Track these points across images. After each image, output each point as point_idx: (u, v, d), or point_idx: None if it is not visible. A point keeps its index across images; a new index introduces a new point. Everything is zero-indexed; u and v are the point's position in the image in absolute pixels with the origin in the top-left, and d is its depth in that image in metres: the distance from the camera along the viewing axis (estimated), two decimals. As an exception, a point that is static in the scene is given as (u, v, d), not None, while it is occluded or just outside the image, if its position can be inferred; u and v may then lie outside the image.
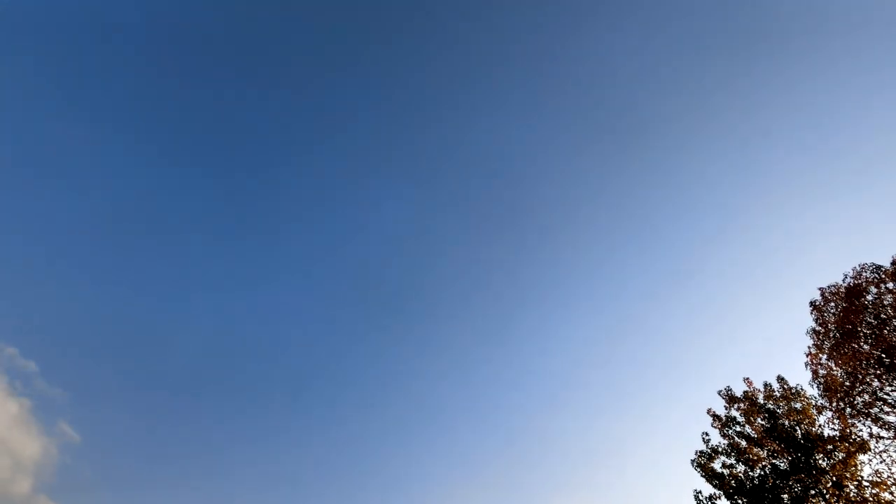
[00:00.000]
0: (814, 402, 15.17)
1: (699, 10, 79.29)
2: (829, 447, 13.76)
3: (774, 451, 14.33)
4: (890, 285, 16.67)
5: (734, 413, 16.18)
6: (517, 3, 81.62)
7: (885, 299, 16.49)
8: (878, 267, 17.67)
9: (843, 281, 18.25)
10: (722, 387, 16.75)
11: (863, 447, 13.57)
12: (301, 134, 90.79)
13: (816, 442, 13.93)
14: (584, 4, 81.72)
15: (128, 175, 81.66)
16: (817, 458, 13.71)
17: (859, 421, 14.57)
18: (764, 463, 14.31)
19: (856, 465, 13.34)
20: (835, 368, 16.04)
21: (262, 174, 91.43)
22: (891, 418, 14.33)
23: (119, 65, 77.81)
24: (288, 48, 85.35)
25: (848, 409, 14.84)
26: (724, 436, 15.67)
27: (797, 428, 14.55)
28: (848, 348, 16.17)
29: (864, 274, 17.78)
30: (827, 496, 12.93)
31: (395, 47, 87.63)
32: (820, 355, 16.70)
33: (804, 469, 13.58)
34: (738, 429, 15.60)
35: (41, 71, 71.22)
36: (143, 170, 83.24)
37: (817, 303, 18.65)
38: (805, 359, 16.87)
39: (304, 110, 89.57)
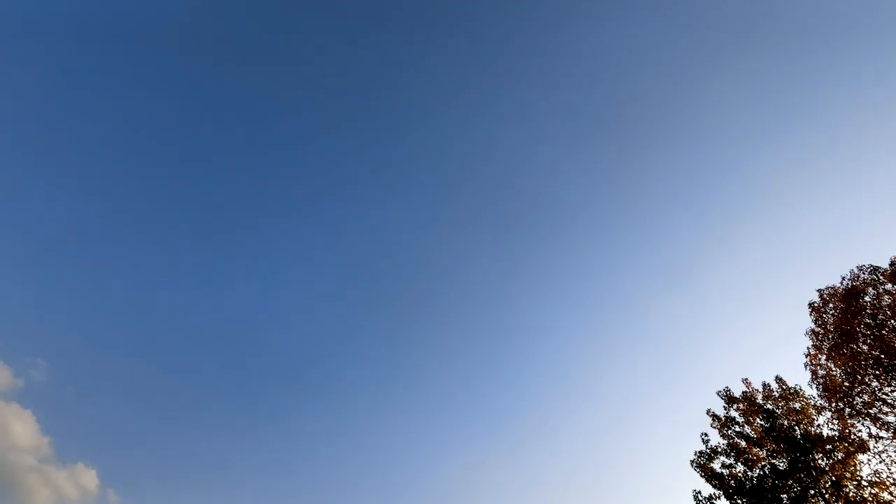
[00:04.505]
0: (813, 403, 15.17)
1: (695, 6, 79.71)
2: (828, 447, 13.75)
3: (773, 451, 14.31)
4: (888, 287, 16.72)
5: (733, 413, 16.17)
6: (508, 2, 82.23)
7: (883, 300, 16.52)
8: (876, 268, 17.72)
9: (842, 283, 18.28)
10: (721, 387, 16.75)
11: (862, 447, 13.55)
12: (299, 132, 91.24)
13: (815, 442, 13.92)
14: (575, 2, 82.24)
15: (127, 174, 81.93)
16: (816, 457, 13.69)
17: (858, 421, 14.55)
18: (763, 463, 14.29)
19: (855, 465, 13.32)
20: (834, 369, 16.04)
21: (260, 173, 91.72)
22: (890, 418, 14.32)
23: (120, 68, 78.22)
24: (284, 50, 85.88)
25: (847, 410, 14.82)
26: (723, 436, 15.66)
27: (796, 428, 14.54)
28: (847, 349, 16.17)
29: (861, 276, 17.82)
30: (826, 496, 12.90)
31: (388, 45, 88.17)
32: (819, 356, 16.70)
33: (803, 469, 13.56)
34: (738, 429, 15.58)
35: (46, 73, 71.61)
36: (142, 170, 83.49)
37: (816, 304, 18.68)
38: (804, 359, 16.88)
39: (301, 109, 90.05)
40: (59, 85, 74.35)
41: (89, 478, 56.59)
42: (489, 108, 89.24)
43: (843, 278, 18.40)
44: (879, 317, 15.91)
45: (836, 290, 18.35)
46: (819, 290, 19.08)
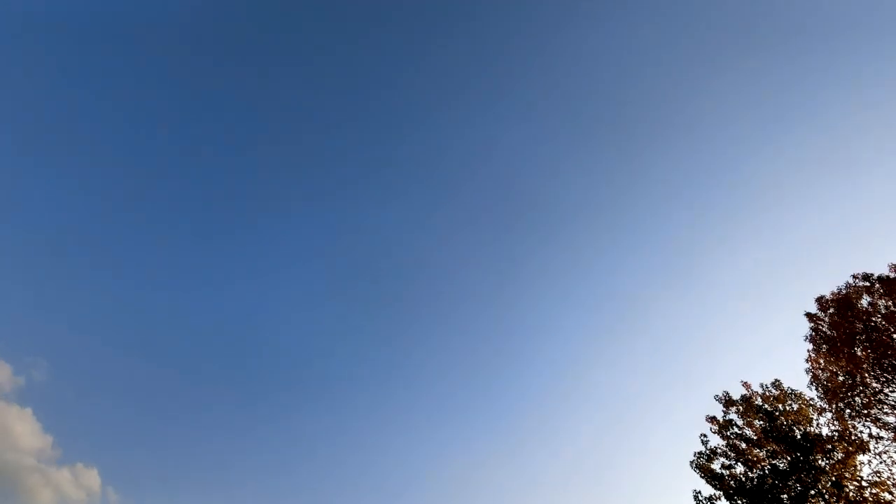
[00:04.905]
0: (812, 404, 15.23)
1: (695, 6, 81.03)
2: (828, 447, 13.75)
3: (773, 451, 14.29)
4: (882, 290, 16.93)
5: (732, 416, 16.19)
6: (508, 2, 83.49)
7: (878, 305, 16.73)
8: (869, 276, 18.04)
9: (838, 290, 18.53)
10: (721, 387, 16.79)
11: (862, 447, 13.57)
12: (299, 132, 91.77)
13: (815, 442, 13.92)
14: (575, 2, 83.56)
15: (127, 174, 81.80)
16: (816, 458, 13.68)
17: (859, 422, 14.59)
18: (763, 463, 14.24)
19: (855, 466, 13.33)
20: (835, 370, 16.13)
21: (260, 173, 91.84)
22: (890, 419, 14.36)
23: (120, 68, 78.61)
24: (283, 50, 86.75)
25: (847, 411, 14.87)
26: (723, 437, 15.64)
27: (795, 428, 14.55)
28: (846, 353, 16.29)
29: (857, 283, 18.09)
30: (826, 496, 12.85)
31: (388, 45, 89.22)
32: (819, 359, 16.82)
33: (803, 469, 13.53)
34: (737, 430, 15.57)
35: (46, 73, 71.79)
36: (142, 169, 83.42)
37: (812, 313, 18.90)
38: (805, 361, 16.99)
39: (301, 109, 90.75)
40: (59, 85, 74.52)
41: (90, 477, 55.58)
42: (489, 108, 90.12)
43: (840, 289, 18.66)
44: (876, 319, 16.07)
45: (833, 297, 18.59)
46: (817, 299, 19.32)
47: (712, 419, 16.74)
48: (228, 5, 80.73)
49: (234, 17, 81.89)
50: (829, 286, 18.67)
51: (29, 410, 57.19)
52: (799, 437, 14.25)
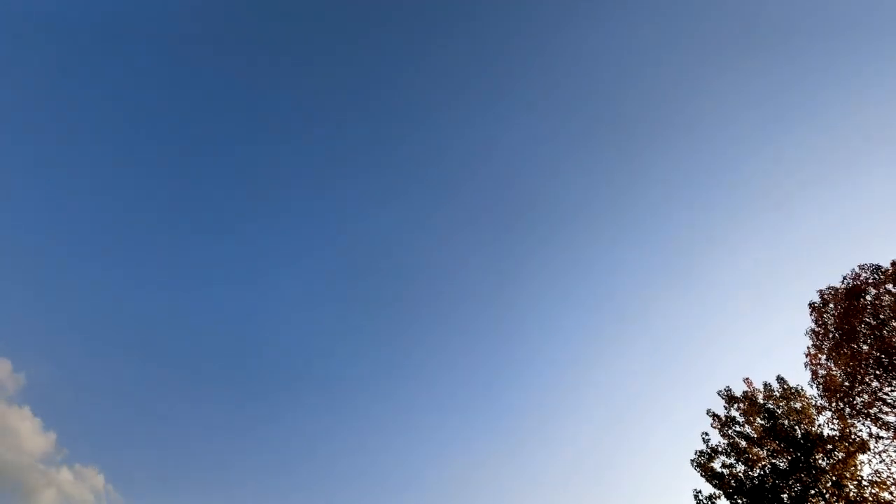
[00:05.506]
0: (813, 402, 15.16)
1: (695, 6, 79.29)
2: (829, 447, 13.75)
3: (774, 450, 14.32)
4: (889, 286, 16.68)
5: (734, 413, 16.17)
6: (508, 2, 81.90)
7: (883, 300, 16.49)
8: (878, 268, 17.68)
9: (842, 282, 18.24)
10: (721, 387, 16.74)
11: (862, 447, 13.55)
12: (299, 132, 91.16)
13: (816, 442, 13.91)
14: (575, 2, 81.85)
15: (127, 174, 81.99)
16: (817, 457, 13.69)
17: (859, 421, 14.53)
18: (764, 462, 14.28)
19: (855, 465, 13.32)
20: (834, 369, 16.01)
21: (260, 173, 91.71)
22: (890, 418, 14.30)
23: (119, 68, 78.23)
24: (284, 50, 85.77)
25: (847, 410, 14.80)
26: (723, 436, 15.65)
27: (797, 427, 14.53)
28: (847, 349, 16.14)
29: (863, 275, 17.78)
30: (826, 495, 12.90)
31: (388, 45, 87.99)
32: (819, 356, 16.68)
33: (804, 469, 13.55)
34: (738, 429, 15.58)
35: (46, 73, 71.64)
36: (143, 170, 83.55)
37: (816, 304, 18.64)
38: (805, 359, 16.86)
39: (301, 109, 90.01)
40: (59, 85, 74.38)
41: (92, 477, 56.91)
42: (489, 108, 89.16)
43: (845, 277, 18.36)
44: (880, 316, 15.89)
45: (836, 290, 18.32)
46: (820, 291, 19.04)
47: (714, 415, 16.74)
48: (229, 6, 79.84)
49: (234, 18, 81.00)
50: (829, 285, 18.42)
51: (31, 413, 58.50)
52: (800, 436, 14.25)
